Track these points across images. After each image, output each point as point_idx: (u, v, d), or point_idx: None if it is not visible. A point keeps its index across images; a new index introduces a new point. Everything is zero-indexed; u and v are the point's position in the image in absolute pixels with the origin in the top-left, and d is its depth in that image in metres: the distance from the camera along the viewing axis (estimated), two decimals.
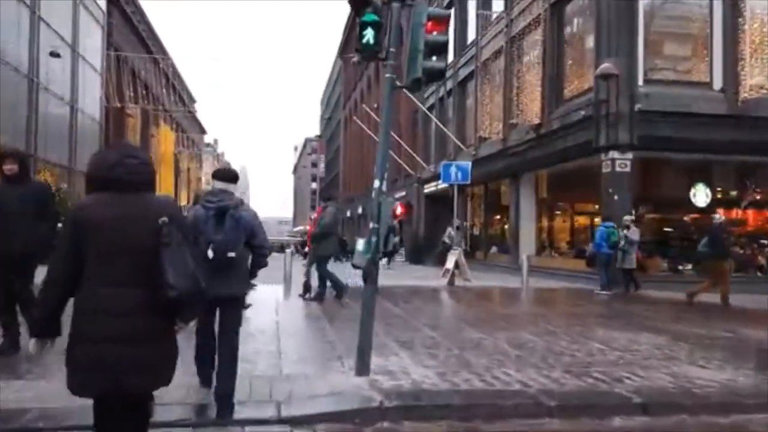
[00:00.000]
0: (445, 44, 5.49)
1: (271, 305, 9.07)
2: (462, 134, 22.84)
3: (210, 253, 3.84)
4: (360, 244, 5.16)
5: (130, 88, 44.03)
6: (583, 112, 13.70)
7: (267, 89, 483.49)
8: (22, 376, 4.46)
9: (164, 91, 53.28)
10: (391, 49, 5.20)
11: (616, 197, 12.95)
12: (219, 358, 4.02)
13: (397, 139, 28.30)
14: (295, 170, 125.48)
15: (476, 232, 23.09)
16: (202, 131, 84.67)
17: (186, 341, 2.90)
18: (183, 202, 65.12)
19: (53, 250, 2.35)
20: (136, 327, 2.18)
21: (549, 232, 19.01)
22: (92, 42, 36.14)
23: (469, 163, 13.63)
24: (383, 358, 5.38)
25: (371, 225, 5.10)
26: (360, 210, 47.20)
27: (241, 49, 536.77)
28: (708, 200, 14.07)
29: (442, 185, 25.15)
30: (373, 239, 4.97)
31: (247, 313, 8.17)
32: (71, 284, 2.21)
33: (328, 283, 9.69)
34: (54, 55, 26.98)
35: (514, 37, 17.85)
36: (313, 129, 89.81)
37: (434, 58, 5.28)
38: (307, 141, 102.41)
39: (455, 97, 24.19)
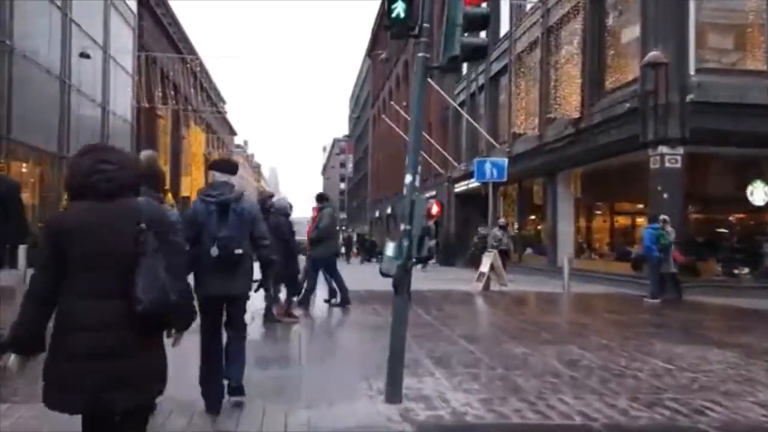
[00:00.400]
0: (486, 17, 4.79)
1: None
2: (494, 131, 21.97)
3: (214, 251, 3.59)
4: (389, 248, 4.50)
5: (160, 89, 44.42)
6: (628, 104, 12.74)
7: (296, 91, 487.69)
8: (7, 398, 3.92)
9: (193, 91, 53.73)
10: (425, 25, 4.50)
11: (665, 195, 11.99)
12: (227, 349, 3.87)
13: (427, 137, 27.58)
14: (324, 171, 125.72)
15: (510, 232, 22.12)
16: (232, 132, 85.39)
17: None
18: None
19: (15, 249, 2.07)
20: (116, 341, 2.07)
21: (588, 233, 18.01)
22: (123, 43, 36.43)
23: (506, 160, 12.80)
24: (416, 378, 4.70)
25: (402, 226, 4.40)
26: (389, 210, 46.57)
27: (271, 50, 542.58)
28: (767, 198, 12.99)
29: (473, 184, 24.40)
30: (405, 243, 4.28)
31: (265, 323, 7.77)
32: (53, 297, 2.12)
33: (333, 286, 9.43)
34: (84, 56, 27.10)
35: (551, 27, 16.93)
36: (342, 129, 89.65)
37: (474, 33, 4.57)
38: (336, 141, 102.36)
39: (487, 92, 23.32)
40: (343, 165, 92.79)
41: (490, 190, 12.99)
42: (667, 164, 12.03)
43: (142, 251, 2.07)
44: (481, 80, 23.72)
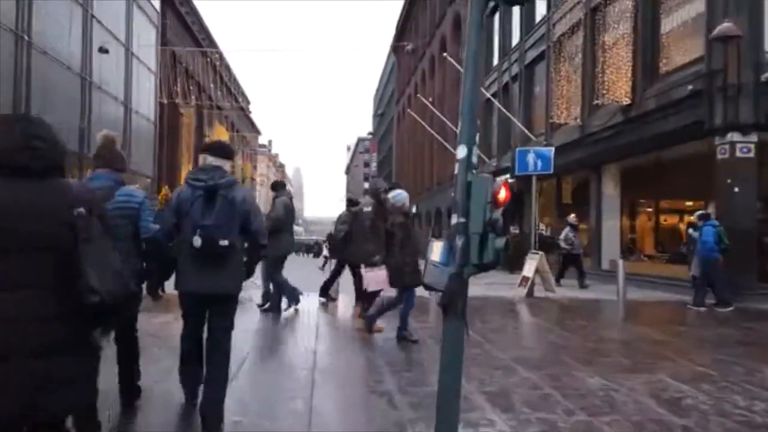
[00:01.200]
0: None
1: (307, 327, 7.28)
2: (529, 124, 20.52)
3: (197, 241, 3.20)
4: (436, 250, 3.25)
5: (184, 87, 43.97)
6: (690, 87, 11.24)
7: (321, 90, 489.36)
8: None
9: (218, 91, 53.29)
10: None
11: (736, 189, 10.48)
12: (207, 366, 3.44)
13: (455, 129, 26.25)
14: (348, 170, 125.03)
15: (547, 232, 20.70)
16: (256, 132, 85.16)
17: None
18: None
19: None
20: (37, 337, 1.81)
21: (637, 232, 16.45)
22: (146, 41, 35.94)
23: (551, 149, 11.38)
24: (471, 430, 3.45)
25: (455, 219, 3.11)
26: (414, 209, 45.30)
27: (296, 50, 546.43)
28: None
29: (507, 180, 23.06)
30: (459, 242, 3.00)
31: (273, 341, 6.61)
32: None
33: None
34: (103, 51, 26.46)
35: (595, 7, 15.44)
36: (367, 128, 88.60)
37: None
38: (360, 140, 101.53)
39: (522, 82, 21.86)
40: (367, 164, 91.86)
41: (533, 185, 11.57)
42: (739, 154, 10.50)
43: (86, 238, 1.88)
44: (515, 69, 22.26)
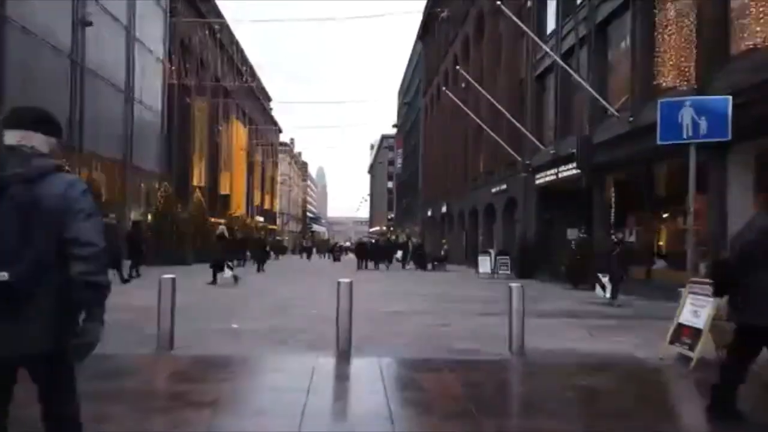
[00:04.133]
0: None
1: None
2: (604, 96, 16.04)
3: None
4: None
5: (195, 79, 40.40)
6: None
7: (345, 89, 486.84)
8: None
9: (233, 80, 49.62)
10: None
11: None
12: None
13: (508, 113, 21.83)
14: (371, 169, 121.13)
15: (630, 237, 16.15)
16: (278, 130, 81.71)
17: None
18: (257, 202, 62.22)
19: None
20: None
21: None
22: (152, 24, 32.49)
23: (727, 98, 6.84)
24: None
25: None
26: (444, 209, 40.92)
27: (317, 48, 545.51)
28: None
29: (568, 172, 18.61)
30: None
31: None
32: None
33: None
34: (85, 23, 22.79)
35: None
36: (390, 128, 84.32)
37: None
38: (384, 138, 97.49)
39: (591, 47, 17.36)
40: (391, 163, 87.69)
41: (692, 157, 6.97)
42: None
43: None
44: (582, 31, 17.77)
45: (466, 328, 8.40)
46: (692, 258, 7.23)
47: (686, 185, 13.85)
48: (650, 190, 14.98)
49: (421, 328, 8.33)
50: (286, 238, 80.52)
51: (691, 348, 5.77)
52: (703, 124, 6.39)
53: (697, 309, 5.91)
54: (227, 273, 15.35)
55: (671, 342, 6.12)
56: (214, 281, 15.11)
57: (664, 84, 12.22)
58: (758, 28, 10.02)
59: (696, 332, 5.79)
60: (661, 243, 15.14)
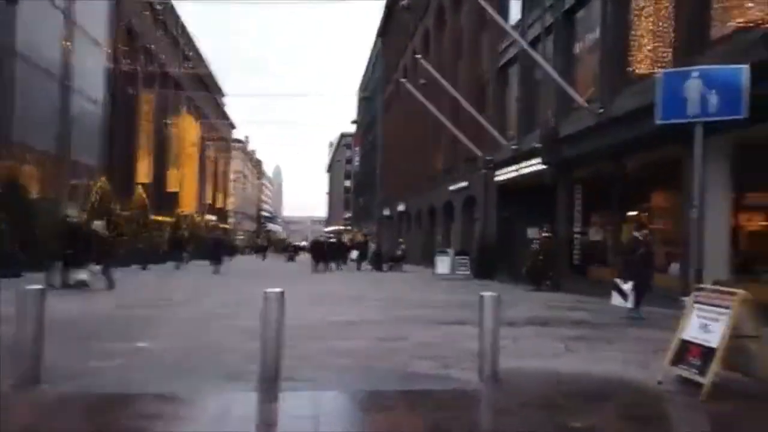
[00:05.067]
0: None
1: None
2: (571, 87, 15.14)
3: None
4: None
5: (142, 66, 37.96)
6: None
7: (303, 87, 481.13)
8: None
9: (180, 68, 47.06)
10: None
11: None
12: None
13: (468, 107, 20.80)
14: (330, 168, 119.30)
15: (596, 236, 15.34)
16: (231, 125, 79.04)
17: None
18: (208, 200, 59.64)
19: None
20: None
21: (756, 239, 11.05)
22: (93, 6, 30.12)
23: (743, 67, 5.76)
24: None
25: None
26: (402, 208, 39.81)
27: (276, 42, 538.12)
28: None
29: (529, 168, 17.72)
30: None
31: None
32: None
33: None
34: (10, 0, 20.56)
35: None
36: (350, 126, 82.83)
37: None
38: (343, 136, 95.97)
39: (557, 35, 16.49)
40: (349, 161, 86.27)
41: (698, 139, 5.83)
42: None
43: None
44: (548, 20, 16.87)
45: (425, 342, 7.18)
46: (693, 261, 6.18)
47: (658, 180, 13.23)
48: (619, 185, 14.13)
49: (374, 343, 7.04)
50: (240, 237, 78.00)
51: (701, 372, 4.68)
52: (713, 99, 5.32)
53: (707, 323, 4.82)
54: (81, 274, 13.05)
55: (673, 363, 5.02)
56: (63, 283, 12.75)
57: (637, 71, 11.31)
58: (739, 11, 9.22)
59: (707, 352, 4.70)
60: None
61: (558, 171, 16.17)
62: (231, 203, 77.01)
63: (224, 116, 71.37)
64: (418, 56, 25.40)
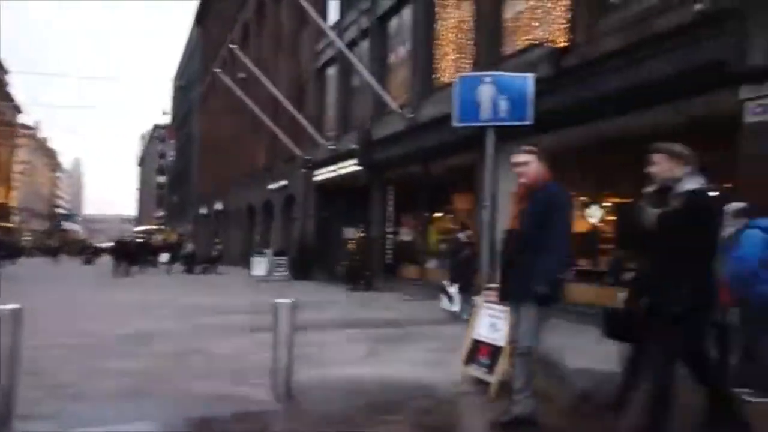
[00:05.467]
0: None
1: None
2: (385, 91, 15.48)
3: None
4: None
5: None
6: (699, 5, 7.01)
7: (111, 69, 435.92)
8: None
9: None
10: None
11: None
12: None
13: (288, 105, 20.26)
14: (142, 162, 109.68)
15: (406, 237, 15.89)
16: (17, 108, 68.47)
17: None
18: None
19: None
20: None
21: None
22: None
23: (529, 77, 5.95)
24: None
25: None
26: (220, 206, 37.83)
27: (78, 19, 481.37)
28: None
29: (345, 169, 17.82)
30: None
31: None
32: None
33: None
34: None
35: None
36: (164, 117, 76.79)
37: None
38: (156, 128, 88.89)
39: (373, 40, 16.80)
40: (162, 155, 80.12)
41: (489, 143, 5.93)
42: None
43: None
44: (364, 23, 17.10)
45: (222, 354, 6.54)
46: (485, 260, 6.45)
47: (458, 184, 14.05)
48: (426, 188, 14.79)
49: (160, 359, 6.20)
50: (27, 238, 67.90)
51: (490, 371, 4.80)
52: (504, 104, 5.54)
53: (496, 321, 4.97)
54: None
55: (467, 363, 5.11)
56: None
57: (442, 79, 11.86)
58: (527, 30, 10.12)
59: (495, 351, 4.83)
60: (433, 242, 15.03)
61: (372, 172, 16.47)
62: (15, 198, 66.67)
63: (7, 97, 61.56)
64: (234, 46, 24.14)
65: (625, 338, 3.97)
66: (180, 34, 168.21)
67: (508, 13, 10.96)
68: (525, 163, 3.90)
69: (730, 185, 6.83)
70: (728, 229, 5.43)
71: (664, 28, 7.44)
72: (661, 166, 3.46)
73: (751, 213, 5.34)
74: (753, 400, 4.89)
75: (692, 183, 3.36)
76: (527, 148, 4.00)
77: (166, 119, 75.93)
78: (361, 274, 16.23)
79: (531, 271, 3.67)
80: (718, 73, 6.73)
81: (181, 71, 65.56)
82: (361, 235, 16.99)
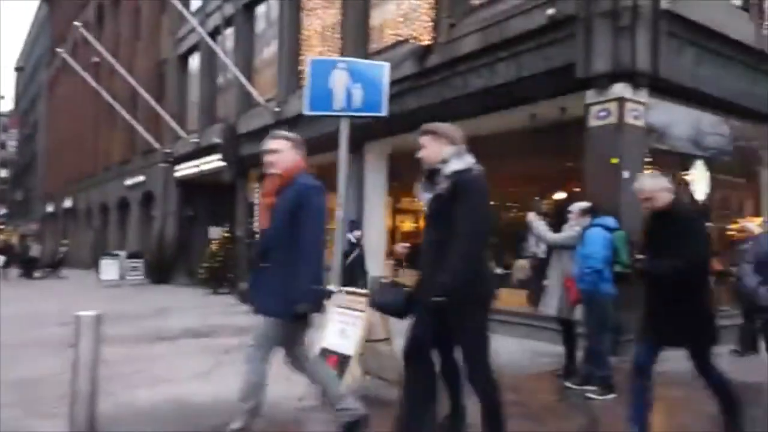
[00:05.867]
0: None
1: None
2: (252, 83, 14.64)
3: None
4: None
5: None
6: (551, 11, 7.17)
7: None
8: None
9: None
10: None
11: (625, 174, 6.72)
12: None
13: (146, 94, 18.54)
14: None
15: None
16: None
17: None
18: None
19: None
20: None
21: (411, 239, 12.12)
22: None
23: (384, 66, 5.57)
24: None
25: None
26: (69, 204, 34.09)
27: None
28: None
29: (210, 164, 16.65)
30: None
31: None
32: None
33: None
34: None
35: None
36: (4, 104, 68.17)
37: None
38: None
39: (238, 28, 15.84)
40: (3, 146, 71.10)
41: (344, 132, 5.41)
42: (630, 119, 6.81)
43: None
44: (229, 10, 16.07)
45: (30, 379, 5.50)
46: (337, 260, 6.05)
47: (329, 183, 13.64)
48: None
49: None
50: None
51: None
52: (358, 93, 5.17)
53: (346, 328, 4.57)
54: None
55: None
56: None
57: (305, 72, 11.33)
58: (393, 26, 9.97)
59: (344, 360, 4.43)
60: None
61: (237, 168, 15.55)
62: None
63: None
64: (79, 24, 21.74)
65: (391, 312, 3.70)
66: (24, 11, 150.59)
67: (376, 8, 10.75)
68: (277, 151, 3.34)
69: (578, 189, 7.09)
70: (574, 228, 5.54)
71: (519, 31, 7.57)
72: (428, 149, 3.21)
73: (595, 212, 5.49)
74: (595, 397, 4.99)
75: (459, 163, 3.10)
76: (281, 133, 3.48)
77: (7, 105, 67.54)
78: (224, 276, 15.26)
79: (280, 282, 3.23)
80: (567, 78, 6.94)
81: (27, 52, 58.54)
82: (225, 235, 15.98)
